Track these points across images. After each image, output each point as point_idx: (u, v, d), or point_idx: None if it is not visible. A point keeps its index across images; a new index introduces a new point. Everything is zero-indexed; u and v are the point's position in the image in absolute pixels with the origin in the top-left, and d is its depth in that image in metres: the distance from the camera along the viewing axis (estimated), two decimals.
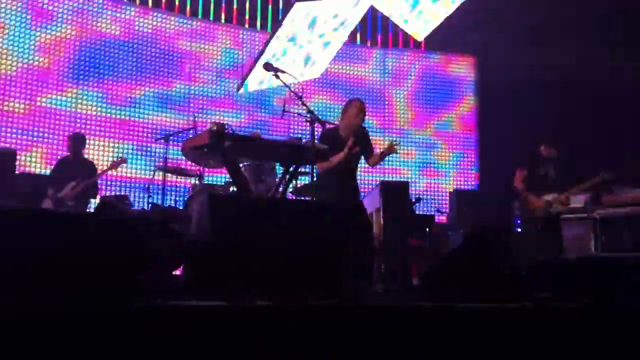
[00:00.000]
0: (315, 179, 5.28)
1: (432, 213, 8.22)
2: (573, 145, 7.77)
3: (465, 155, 10.14)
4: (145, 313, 2.29)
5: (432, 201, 9.44)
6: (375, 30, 10.20)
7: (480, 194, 9.17)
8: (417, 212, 7.28)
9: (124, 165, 7.41)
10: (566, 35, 8.31)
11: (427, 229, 6.34)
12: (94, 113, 8.34)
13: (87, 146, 7.34)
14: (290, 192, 6.07)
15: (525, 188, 6.17)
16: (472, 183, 10.01)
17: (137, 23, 8.80)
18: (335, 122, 5.65)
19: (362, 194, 7.91)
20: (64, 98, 8.15)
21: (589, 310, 3.04)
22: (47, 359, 2.06)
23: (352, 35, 9.89)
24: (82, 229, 3.05)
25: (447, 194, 9.35)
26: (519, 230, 6.88)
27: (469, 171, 10.08)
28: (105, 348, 2.13)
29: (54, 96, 8.09)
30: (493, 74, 9.54)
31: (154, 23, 8.93)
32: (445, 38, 9.86)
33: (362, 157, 5.47)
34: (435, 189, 9.85)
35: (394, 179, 9.10)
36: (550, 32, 8.46)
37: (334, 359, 2.43)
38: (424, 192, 9.52)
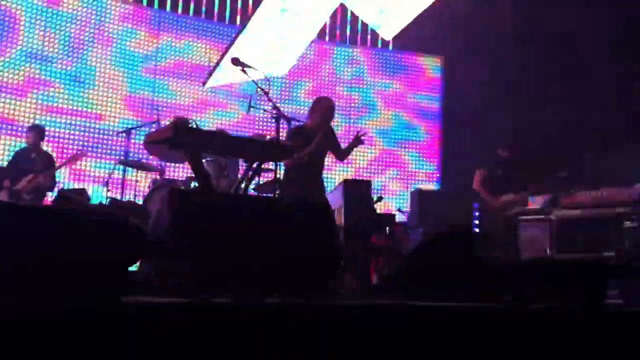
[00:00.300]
0: (282, 174, 5.30)
1: (393, 212, 8.26)
2: (536, 146, 7.92)
3: (429, 155, 10.22)
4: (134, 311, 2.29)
5: (394, 200, 9.51)
6: (344, 27, 10.20)
7: (442, 193, 9.25)
8: (378, 211, 7.31)
9: (84, 158, 7.28)
10: (534, 37, 8.45)
11: (388, 228, 6.37)
12: (54, 105, 8.18)
13: (46, 138, 7.20)
14: (253, 189, 6.04)
15: (483, 189, 6.24)
16: (435, 183, 10.09)
17: (99, 13, 8.65)
18: (302, 119, 5.66)
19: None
20: (24, 88, 7.99)
21: (581, 311, 3.10)
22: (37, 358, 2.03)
23: (321, 33, 9.88)
24: (75, 225, 2.99)
25: (409, 193, 9.43)
26: (477, 230, 6.95)
27: (432, 171, 10.17)
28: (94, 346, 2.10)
29: (13, 85, 7.92)
30: (460, 74, 9.63)
31: (119, 13, 8.79)
32: (413, 37, 9.92)
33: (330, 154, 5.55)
34: (398, 188, 9.91)
35: (357, 178, 9.12)
36: (518, 34, 8.60)
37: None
38: (386, 191, 9.58)
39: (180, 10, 9.23)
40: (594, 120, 7.67)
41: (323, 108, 5.42)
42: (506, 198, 6.07)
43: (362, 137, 5.43)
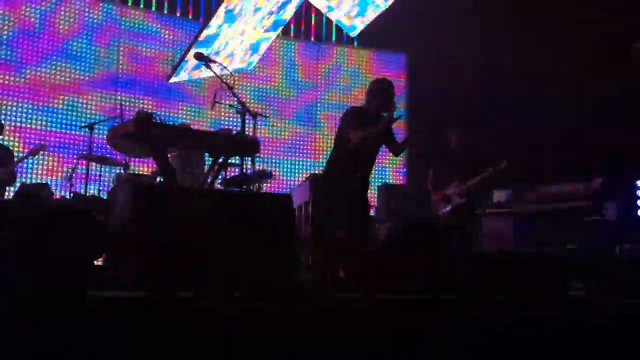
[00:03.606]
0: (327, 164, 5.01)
1: None
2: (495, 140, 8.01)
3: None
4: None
5: None
6: (308, 24, 10.19)
7: (408, 188, 9.31)
8: None
9: (44, 152, 7.15)
10: (495, 29, 8.56)
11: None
12: (13, 97, 8.00)
13: (4, 132, 7.04)
14: (219, 184, 6.00)
15: (431, 186, 6.18)
16: (401, 178, 10.15)
17: (62, 7, 8.49)
18: (266, 115, 5.61)
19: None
20: None
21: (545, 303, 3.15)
22: None
23: (286, 29, 9.86)
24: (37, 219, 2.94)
25: (376, 188, 9.47)
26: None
27: (398, 166, 10.21)
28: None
29: None
30: (423, 71, 9.70)
31: (79, 7, 8.63)
32: (377, 34, 9.95)
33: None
34: None
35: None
36: (481, 28, 8.69)
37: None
38: None
39: (142, 5, 9.12)
40: (554, 117, 7.80)
41: (380, 90, 4.98)
42: (447, 192, 6.03)
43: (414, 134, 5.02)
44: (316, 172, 9.08)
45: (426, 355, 2.61)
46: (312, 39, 10.22)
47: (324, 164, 9.56)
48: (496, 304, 3.32)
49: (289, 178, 9.54)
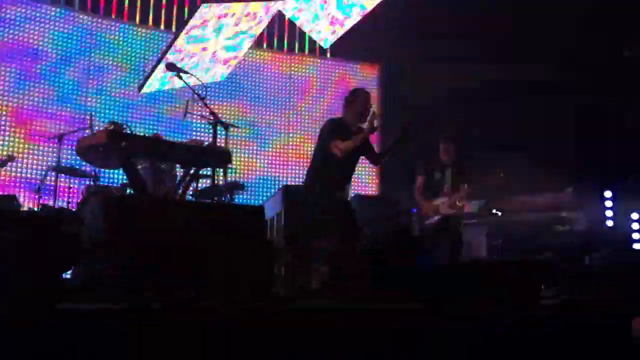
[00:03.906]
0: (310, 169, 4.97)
1: None
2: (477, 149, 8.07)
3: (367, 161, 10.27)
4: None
5: None
6: (281, 35, 10.19)
7: (380, 198, 9.32)
8: None
9: (12, 163, 7.02)
10: (470, 43, 8.64)
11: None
12: None
13: None
14: (191, 195, 5.95)
15: (420, 196, 6.17)
16: (373, 189, 10.16)
17: (32, 15, 8.38)
18: (238, 127, 5.58)
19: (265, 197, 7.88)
20: None
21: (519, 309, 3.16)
22: None
23: (259, 40, 9.84)
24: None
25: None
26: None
27: (370, 177, 10.23)
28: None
29: None
30: (396, 82, 9.75)
31: (52, 16, 8.52)
32: (351, 46, 9.99)
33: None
34: None
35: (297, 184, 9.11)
36: (455, 40, 8.77)
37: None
38: None
39: (113, 15, 9.04)
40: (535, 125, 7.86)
41: (362, 99, 5.02)
42: (437, 202, 6.02)
43: (408, 126, 4.91)
44: (289, 183, 9.10)
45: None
46: (285, 50, 10.22)
47: (297, 176, 9.63)
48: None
49: (260, 189, 9.49)
